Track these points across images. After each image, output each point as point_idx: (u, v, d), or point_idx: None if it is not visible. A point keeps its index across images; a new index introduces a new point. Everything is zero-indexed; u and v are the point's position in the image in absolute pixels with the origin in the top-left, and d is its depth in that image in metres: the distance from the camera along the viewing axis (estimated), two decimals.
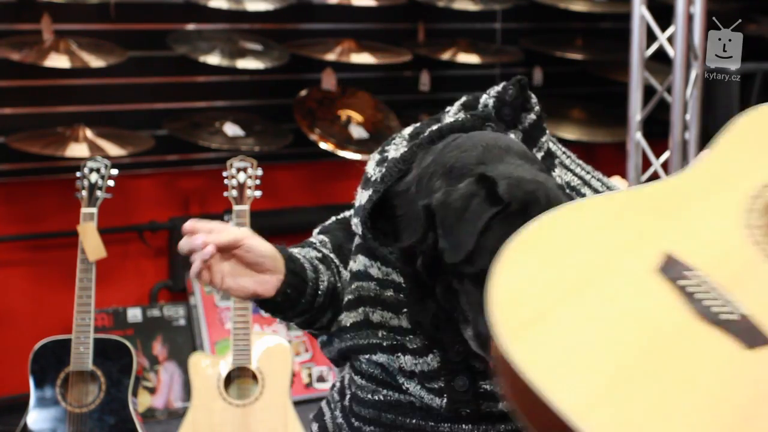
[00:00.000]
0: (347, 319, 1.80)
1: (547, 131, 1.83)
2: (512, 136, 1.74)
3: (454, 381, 1.71)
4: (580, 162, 1.89)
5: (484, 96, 1.78)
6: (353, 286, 1.80)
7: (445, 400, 1.71)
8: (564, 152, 1.88)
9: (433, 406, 1.72)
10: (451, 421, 1.73)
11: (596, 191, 1.83)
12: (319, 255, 1.84)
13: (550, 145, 1.84)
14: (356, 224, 1.79)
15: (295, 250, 1.78)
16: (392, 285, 1.75)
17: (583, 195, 1.80)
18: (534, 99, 1.79)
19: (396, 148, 1.76)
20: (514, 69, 4.93)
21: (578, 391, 0.94)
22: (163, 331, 4.16)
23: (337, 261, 1.86)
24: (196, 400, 3.42)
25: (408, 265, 1.64)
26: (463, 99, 1.81)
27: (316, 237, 1.90)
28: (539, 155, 1.77)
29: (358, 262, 1.81)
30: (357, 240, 1.82)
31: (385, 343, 1.75)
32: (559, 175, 1.80)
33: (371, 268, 1.77)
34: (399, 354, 1.74)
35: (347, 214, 1.89)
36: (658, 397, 0.94)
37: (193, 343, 4.21)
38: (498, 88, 1.77)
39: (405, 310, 1.73)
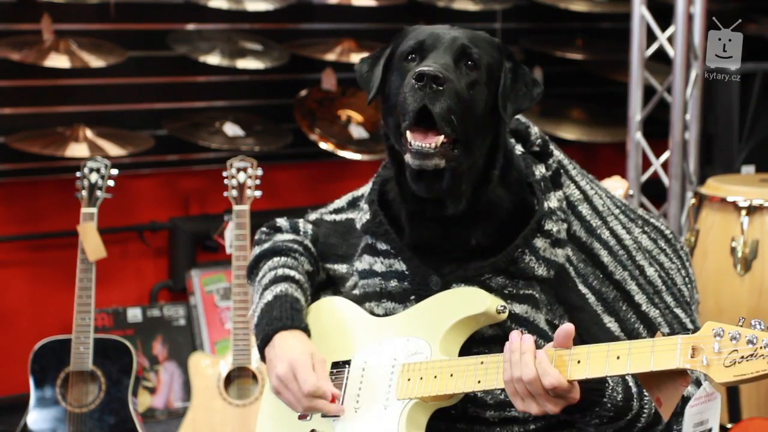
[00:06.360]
0: None
1: (556, 150, 1.89)
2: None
3: None
4: (586, 174, 1.91)
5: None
6: (359, 284, 1.86)
7: None
8: (570, 162, 1.91)
9: None
10: (443, 420, 1.74)
11: (594, 208, 1.84)
12: (304, 255, 2.02)
13: (557, 153, 1.88)
14: (364, 214, 1.87)
15: (297, 295, 1.93)
16: (395, 275, 1.79)
17: (579, 212, 1.83)
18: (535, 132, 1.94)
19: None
20: None
21: None
22: (163, 331, 4.16)
23: (312, 249, 2.03)
24: (196, 400, 3.42)
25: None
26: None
27: (305, 225, 2.13)
28: (554, 166, 1.85)
29: (364, 262, 1.86)
30: (363, 242, 1.88)
31: None
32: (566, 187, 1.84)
33: (375, 264, 1.83)
34: None
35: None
36: None
37: (193, 343, 4.21)
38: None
39: (412, 297, 1.77)
